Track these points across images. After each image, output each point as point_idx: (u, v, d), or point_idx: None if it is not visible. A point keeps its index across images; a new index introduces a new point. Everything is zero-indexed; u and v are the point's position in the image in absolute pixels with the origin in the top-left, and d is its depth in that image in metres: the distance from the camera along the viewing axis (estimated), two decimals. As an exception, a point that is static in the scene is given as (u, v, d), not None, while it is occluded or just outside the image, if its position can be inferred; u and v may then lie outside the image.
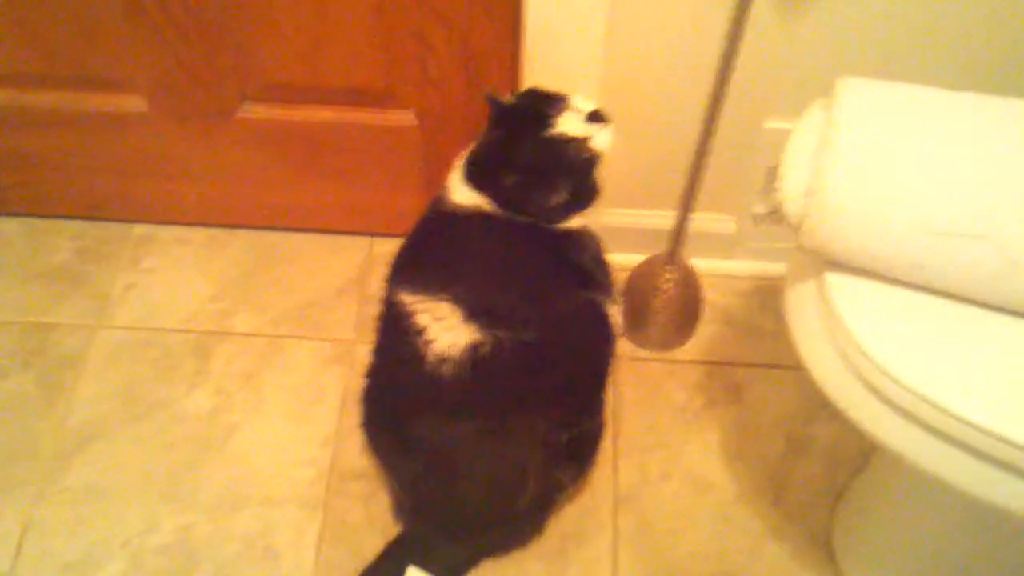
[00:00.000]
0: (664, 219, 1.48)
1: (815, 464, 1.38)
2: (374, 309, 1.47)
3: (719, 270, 1.57)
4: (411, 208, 1.50)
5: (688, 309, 1.48)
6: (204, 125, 1.44)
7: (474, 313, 1.09)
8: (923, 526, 1.16)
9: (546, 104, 1.14)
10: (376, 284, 1.51)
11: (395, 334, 1.14)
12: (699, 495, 1.35)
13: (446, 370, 1.08)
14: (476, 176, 1.15)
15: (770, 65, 1.24)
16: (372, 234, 1.61)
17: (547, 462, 1.17)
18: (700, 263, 1.52)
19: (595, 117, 1.14)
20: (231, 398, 1.43)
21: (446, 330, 1.09)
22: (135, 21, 1.29)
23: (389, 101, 1.39)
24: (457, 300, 1.10)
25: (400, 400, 1.15)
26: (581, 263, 1.18)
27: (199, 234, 1.62)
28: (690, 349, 1.50)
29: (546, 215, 1.15)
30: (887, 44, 1.21)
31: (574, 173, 1.14)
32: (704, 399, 1.45)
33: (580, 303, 1.16)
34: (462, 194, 1.16)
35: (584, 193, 1.15)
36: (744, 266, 1.58)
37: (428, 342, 1.09)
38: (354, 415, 1.32)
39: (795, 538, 1.30)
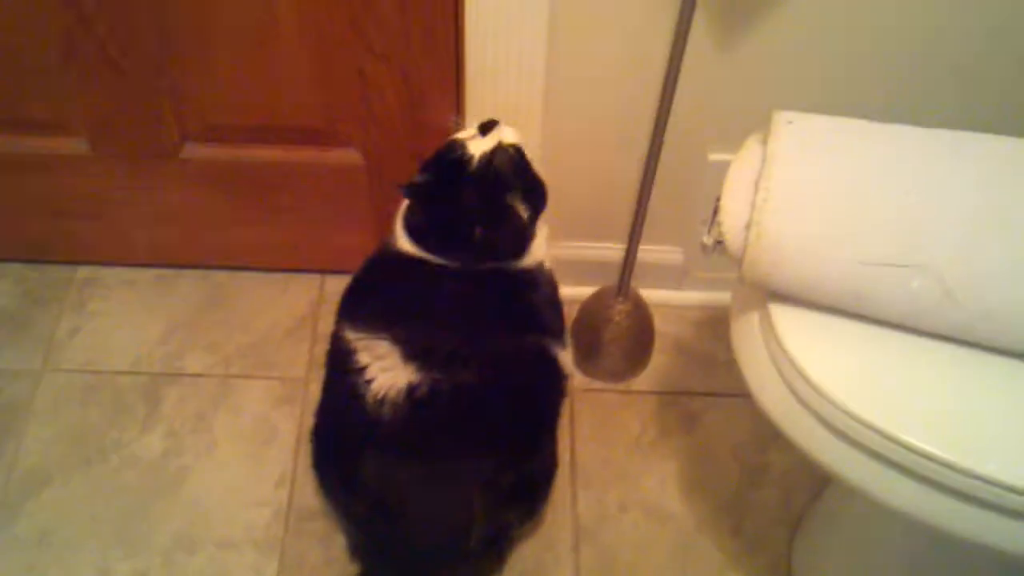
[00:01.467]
0: (613, 251, 1.54)
1: (771, 492, 1.43)
2: (324, 347, 1.52)
3: (669, 300, 1.62)
4: (359, 245, 1.52)
5: (640, 340, 1.53)
6: (147, 166, 1.47)
7: (413, 354, 1.12)
8: (879, 551, 1.22)
9: (447, 154, 1.17)
10: (327, 322, 1.55)
11: (339, 371, 1.17)
12: (659, 526, 1.39)
13: (385, 410, 1.10)
14: (436, 247, 1.17)
15: (711, 98, 1.31)
16: (322, 271, 1.64)
17: (494, 503, 1.19)
18: (650, 294, 1.57)
19: (485, 127, 1.18)
20: (183, 440, 1.44)
21: (384, 370, 1.12)
22: (72, 62, 1.32)
23: (333, 139, 1.43)
24: (396, 340, 1.12)
25: (344, 439, 1.17)
26: (532, 304, 1.21)
27: (146, 275, 1.64)
28: (644, 379, 1.55)
29: (520, 238, 1.17)
30: (824, 76, 1.28)
31: (518, 176, 1.17)
32: (659, 429, 1.49)
33: (525, 346, 1.19)
34: (409, 246, 1.19)
35: (536, 191, 1.18)
36: (694, 296, 1.63)
37: (367, 381, 1.12)
38: (308, 454, 1.35)
39: (755, 567, 1.35)
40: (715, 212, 1.43)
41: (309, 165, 1.46)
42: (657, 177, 1.40)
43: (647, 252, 1.50)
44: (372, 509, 1.16)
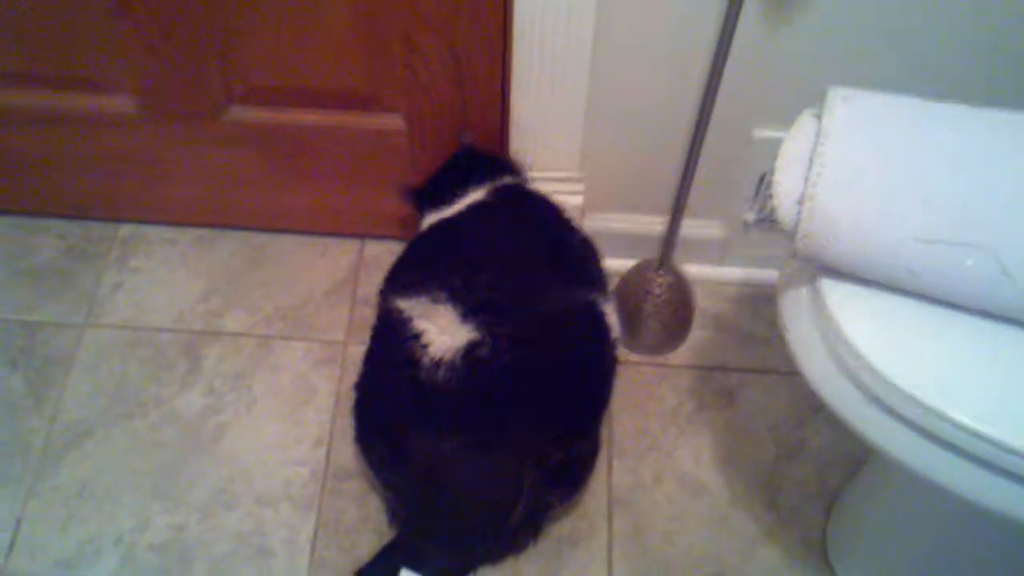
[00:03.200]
0: (655, 225, 1.55)
1: (806, 468, 1.45)
2: (365, 312, 1.56)
3: (709, 276, 1.63)
4: (398, 211, 1.57)
5: (680, 314, 1.55)
6: (192, 126, 1.50)
7: (471, 310, 1.14)
8: (918, 529, 1.24)
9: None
10: (367, 286, 1.59)
11: (389, 342, 1.20)
12: (693, 498, 1.41)
13: (442, 375, 1.13)
14: None
15: (759, 74, 1.31)
16: (362, 236, 1.67)
17: (541, 481, 1.20)
18: (691, 268, 1.59)
19: None
20: (222, 398, 1.48)
21: (442, 332, 1.14)
22: (120, 20, 1.33)
23: (376, 104, 1.45)
24: (453, 298, 1.15)
25: (395, 412, 1.19)
26: (580, 255, 1.25)
27: (187, 234, 1.67)
28: (682, 354, 1.57)
29: None
30: (876, 53, 1.28)
31: None
32: (696, 403, 1.51)
33: (581, 302, 1.22)
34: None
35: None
36: (735, 272, 1.65)
37: (424, 346, 1.15)
38: (346, 415, 1.38)
39: (789, 541, 1.37)
40: (765, 186, 1.46)
41: (351, 130, 1.48)
42: (702, 152, 1.42)
43: (689, 227, 1.52)
44: (419, 483, 1.18)
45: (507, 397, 1.15)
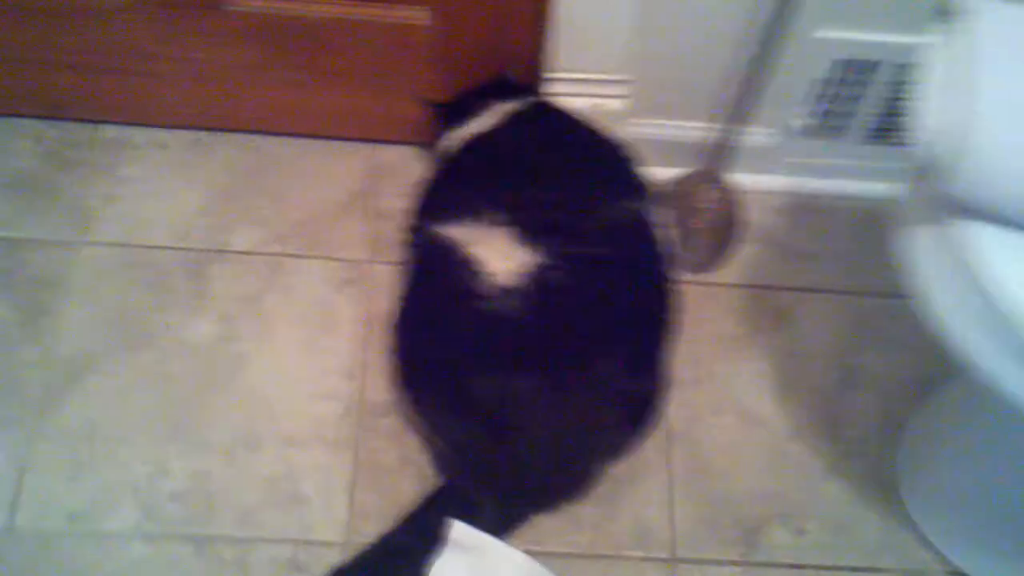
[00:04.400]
0: (699, 131, 1.42)
1: (869, 396, 1.37)
2: (385, 226, 1.41)
3: (755, 185, 1.51)
4: (417, 116, 1.41)
5: (729, 230, 1.44)
6: (188, 17, 1.30)
7: (530, 231, 1.04)
8: (992, 461, 1.17)
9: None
10: (384, 197, 1.44)
11: (438, 273, 1.08)
12: (752, 430, 1.33)
13: (511, 304, 1.02)
14: None
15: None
16: (373, 141, 1.50)
17: (614, 421, 1.12)
18: (735, 178, 1.46)
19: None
20: (236, 325, 1.33)
21: (502, 257, 1.03)
22: None
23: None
24: (508, 220, 1.05)
25: (453, 348, 1.07)
26: (628, 166, 1.16)
27: (179, 138, 1.48)
28: (730, 272, 1.46)
29: None
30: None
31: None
32: (749, 326, 1.41)
33: (632, 213, 1.13)
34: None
35: None
36: (779, 181, 1.53)
37: (484, 275, 1.03)
38: (378, 346, 1.28)
39: (855, 475, 1.30)
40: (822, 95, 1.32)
41: (370, 24, 1.30)
42: (769, 55, 1.28)
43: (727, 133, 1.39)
44: (486, 429, 1.07)
45: (586, 325, 1.05)
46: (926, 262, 0.94)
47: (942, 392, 1.29)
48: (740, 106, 1.26)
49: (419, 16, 1.30)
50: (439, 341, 1.10)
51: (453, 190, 1.16)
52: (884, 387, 1.38)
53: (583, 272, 1.04)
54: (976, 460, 1.19)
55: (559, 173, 1.14)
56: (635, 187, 1.17)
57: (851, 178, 1.51)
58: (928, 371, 1.38)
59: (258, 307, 1.35)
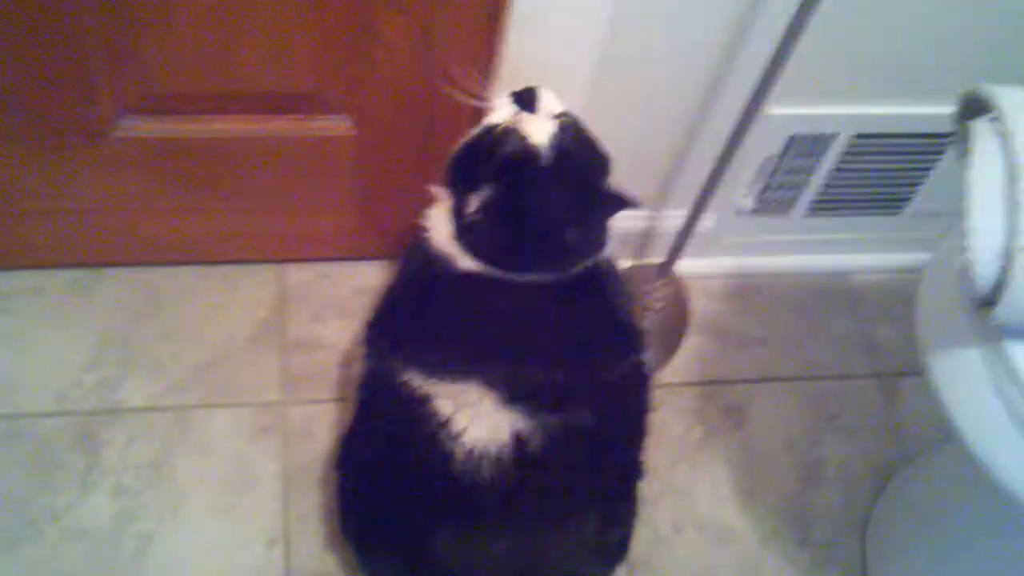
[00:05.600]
0: (640, 221, 1.34)
1: (833, 491, 1.30)
2: (300, 359, 1.27)
3: (695, 270, 1.42)
4: (335, 228, 1.31)
5: (679, 326, 1.34)
6: (67, 148, 1.14)
7: (515, 396, 0.92)
8: (964, 542, 1.11)
9: (503, 150, 0.92)
10: (298, 324, 1.31)
11: (397, 423, 0.97)
12: (720, 545, 1.24)
13: (483, 468, 0.91)
14: (517, 264, 0.94)
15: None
16: (281, 261, 1.36)
17: (587, 562, 1.03)
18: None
19: (524, 97, 0.95)
20: (138, 497, 1.17)
21: (478, 419, 0.92)
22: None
23: (317, 106, 1.14)
24: (490, 381, 0.92)
25: (416, 508, 0.96)
26: (619, 310, 1.02)
27: (56, 279, 1.31)
28: (678, 369, 1.36)
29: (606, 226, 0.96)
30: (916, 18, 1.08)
31: (590, 153, 0.96)
32: (704, 428, 1.32)
33: (630, 367, 1.01)
34: (473, 264, 0.94)
35: (605, 162, 0.97)
36: (722, 263, 1.45)
37: (455, 435, 0.91)
38: (303, 502, 1.16)
39: (831, 584, 1.21)
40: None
41: (282, 138, 1.17)
42: (704, 134, 1.19)
43: (672, 219, 1.30)
44: None
45: (562, 488, 0.96)
46: (963, 388, 0.84)
47: (902, 479, 1.25)
48: (707, 196, 1.16)
49: (339, 125, 1.17)
50: (394, 495, 0.99)
51: (421, 321, 1.00)
52: (846, 480, 1.31)
53: (564, 439, 0.93)
54: (944, 550, 1.13)
55: (553, 326, 0.98)
56: (632, 331, 1.04)
57: (792, 253, 1.44)
58: (885, 455, 1.32)
59: (161, 474, 1.19)
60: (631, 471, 1.07)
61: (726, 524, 1.25)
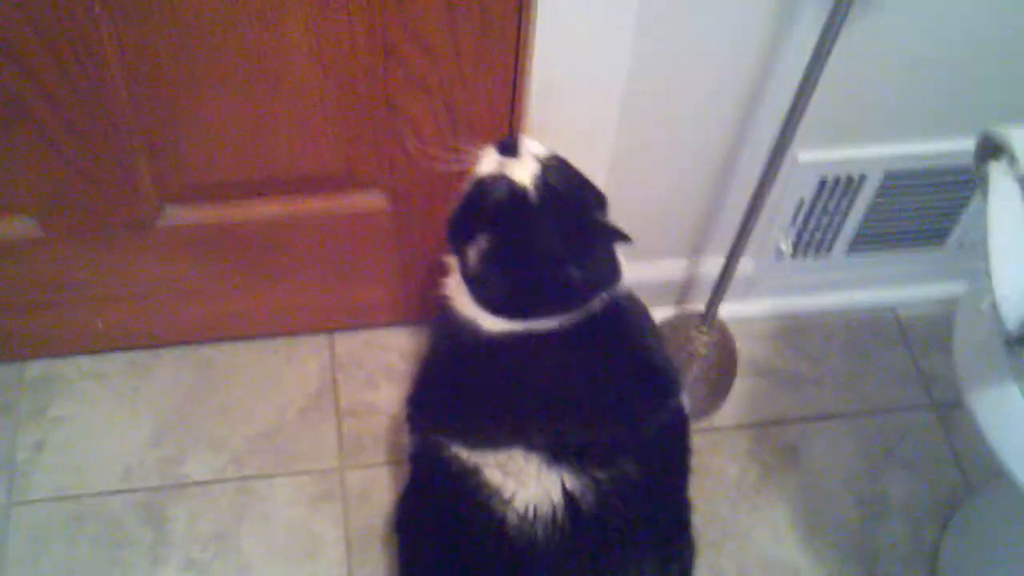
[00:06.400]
0: (678, 270, 1.35)
1: (897, 526, 1.28)
2: (354, 425, 1.30)
3: (739, 313, 1.43)
4: (380, 298, 1.35)
5: (726, 372, 1.35)
6: (116, 241, 1.20)
7: (560, 456, 0.92)
8: None
9: (493, 198, 0.95)
10: (350, 391, 1.34)
11: (452, 494, 0.97)
12: (786, 588, 1.22)
13: (537, 530, 0.92)
14: (532, 312, 0.95)
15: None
16: (330, 331, 1.39)
17: None
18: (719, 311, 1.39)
19: (507, 146, 0.97)
20: (207, 569, 1.20)
21: (527, 482, 0.93)
22: (16, 125, 1.03)
23: (350, 183, 1.19)
24: (533, 444, 0.93)
25: (475, 572, 0.97)
26: (650, 349, 1.02)
27: (114, 362, 1.36)
28: (729, 412, 1.37)
29: (613, 254, 0.98)
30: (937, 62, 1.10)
31: (580, 187, 0.99)
32: (759, 469, 1.32)
33: (669, 412, 1.00)
34: (494, 323, 0.96)
35: (596, 192, 1.00)
36: (765, 304, 1.46)
37: (507, 500, 0.92)
38: (365, 564, 1.19)
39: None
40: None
41: (319, 216, 1.21)
42: (735, 181, 1.21)
43: (712, 266, 1.32)
44: None
45: (617, 540, 0.95)
46: (1008, 422, 0.84)
47: (969, 509, 1.24)
48: (742, 243, 1.18)
49: (374, 200, 1.21)
50: (455, 564, 0.99)
51: (454, 394, 1.02)
52: (909, 514, 1.29)
53: (614, 492, 0.94)
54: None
55: (585, 379, 0.99)
56: (667, 372, 1.04)
57: (836, 291, 1.45)
58: (950, 487, 1.31)
59: (227, 545, 1.21)
60: (681, 508, 1.06)
61: (791, 564, 1.24)
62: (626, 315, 1.01)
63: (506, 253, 0.93)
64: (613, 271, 0.98)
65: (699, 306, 1.34)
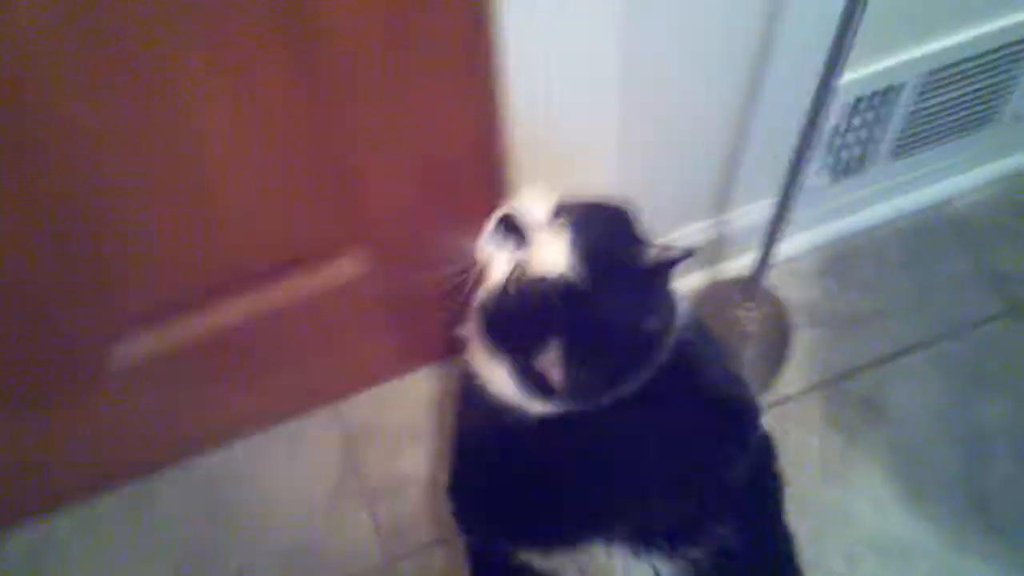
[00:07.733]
0: (696, 231, 1.19)
1: (1004, 460, 1.17)
2: (390, 506, 1.17)
3: (779, 255, 1.26)
4: (382, 353, 1.22)
5: (781, 341, 1.21)
6: (57, 402, 1.05)
7: (645, 543, 0.83)
8: None
9: (535, 293, 0.80)
10: (374, 466, 1.20)
11: None
12: (903, 563, 1.12)
13: None
14: (623, 381, 0.82)
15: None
16: (333, 400, 1.25)
17: None
18: (747, 259, 1.22)
19: (507, 223, 0.84)
20: None
21: None
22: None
23: (320, 257, 1.03)
24: (611, 536, 0.83)
25: None
26: (719, 381, 0.89)
27: (108, 501, 1.21)
28: (793, 376, 1.23)
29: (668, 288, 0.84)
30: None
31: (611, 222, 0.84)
32: (842, 435, 1.19)
33: (752, 444, 0.89)
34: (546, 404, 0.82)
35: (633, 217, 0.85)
36: (800, 242, 1.30)
37: None
38: None
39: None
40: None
41: (293, 301, 1.05)
42: (758, 116, 1.05)
43: (740, 216, 1.19)
44: None
45: None
46: None
47: None
48: (787, 188, 1.01)
49: (350, 268, 1.06)
50: None
51: (509, 487, 0.89)
52: (1014, 442, 1.17)
53: (715, 566, 0.84)
54: None
55: (645, 438, 0.86)
56: (740, 412, 0.91)
57: (878, 202, 1.30)
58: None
59: None
60: (782, 544, 0.96)
61: (900, 538, 1.14)
62: (688, 349, 0.86)
63: (592, 347, 0.80)
64: (672, 299, 0.85)
65: (728, 265, 1.18)
